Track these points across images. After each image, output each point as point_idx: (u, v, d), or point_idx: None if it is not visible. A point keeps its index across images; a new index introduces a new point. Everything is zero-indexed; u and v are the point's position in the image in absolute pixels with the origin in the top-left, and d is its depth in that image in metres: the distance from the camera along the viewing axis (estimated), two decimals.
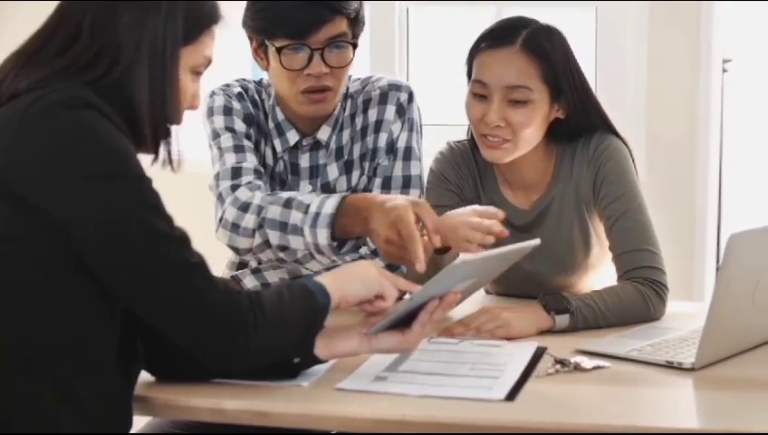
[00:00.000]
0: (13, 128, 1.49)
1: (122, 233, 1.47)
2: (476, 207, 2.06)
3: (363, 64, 3.48)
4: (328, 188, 2.27)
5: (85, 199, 1.46)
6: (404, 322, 1.67)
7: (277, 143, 2.28)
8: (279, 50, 2.13)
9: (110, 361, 1.53)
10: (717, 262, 3.32)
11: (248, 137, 2.26)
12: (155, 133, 1.58)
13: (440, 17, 3.66)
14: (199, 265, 1.53)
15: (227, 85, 2.31)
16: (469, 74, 2.16)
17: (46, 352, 1.48)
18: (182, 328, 1.53)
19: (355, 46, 2.18)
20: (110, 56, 1.54)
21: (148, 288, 1.50)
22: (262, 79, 2.35)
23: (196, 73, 1.65)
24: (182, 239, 1.53)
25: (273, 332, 1.56)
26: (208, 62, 1.66)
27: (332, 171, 2.28)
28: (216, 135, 2.24)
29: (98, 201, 1.46)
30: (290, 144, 2.27)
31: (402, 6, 3.60)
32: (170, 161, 1.67)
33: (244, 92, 2.30)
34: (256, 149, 2.27)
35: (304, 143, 2.27)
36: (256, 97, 2.31)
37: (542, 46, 2.10)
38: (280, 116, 2.28)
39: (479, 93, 2.12)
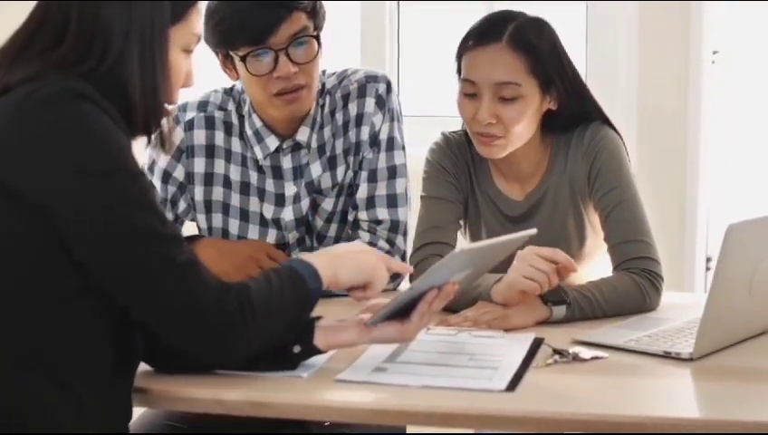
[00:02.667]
0: (8, 119, 1.47)
1: (113, 230, 1.46)
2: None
3: (354, 63, 3.46)
4: (312, 187, 2.27)
5: (78, 195, 1.45)
6: (402, 312, 1.67)
7: (257, 150, 2.26)
8: (243, 58, 2.11)
9: (109, 356, 1.52)
10: (706, 253, 3.33)
11: (166, 178, 2.28)
12: (147, 117, 1.57)
13: (431, 16, 3.66)
14: (191, 263, 1.52)
15: (184, 108, 2.28)
16: (459, 72, 2.16)
17: (45, 350, 1.47)
18: (172, 326, 1.52)
19: (318, 38, 2.16)
20: (101, 46, 1.52)
21: (138, 286, 1.49)
22: (234, 86, 2.32)
23: (187, 51, 1.63)
24: (174, 237, 1.52)
25: (262, 326, 1.56)
26: (197, 38, 1.64)
27: (315, 169, 2.27)
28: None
29: (90, 197, 1.45)
30: (270, 150, 2.26)
31: (393, 4, 3.59)
32: (162, 143, 1.65)
33: (199, 113, 2.28)
34: (191, 180, 2.28)
35: (285, 146, 2.26)
36: (215, 114, 2.29)
37: (528, 40, 2.09)
38: (257, 123, 2.26)
39: (469, 92, 2.12)
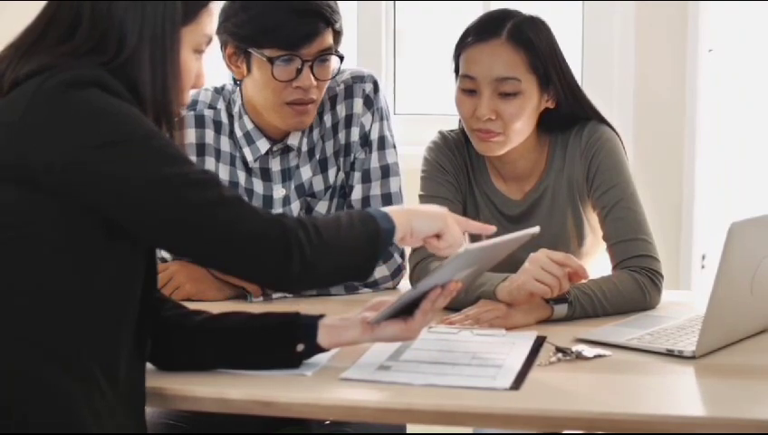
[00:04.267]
0: (23, 108, 1.48)
1: (148, 192, 1.47)
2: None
3: (350, 62, 3.46)
4: (302, 189, 2.27)
5: (101, 172, 1.46)
6: (405, 311, 1.67)
7: (247, 152, 2.26)
8: (271, 60, 2.11)
9: (127, 348, 1.52)
10: (702, 250, 3.33)
11: None
12: (158, 115, 1.57)
13: (428, 15, 3.65)
14: (232, 197, 1.53)
15: None
16: (456, 71, 2.16)
17: (65, 340, 1.47)
18: (232, 262, 1.55)
19: (342, 58, 2.18)
20: (114, 42, 1.53)
21: (190, 235, 1.51)
22: (224, 85, 2.32)
23: (198, 52, 1.64)
24: (209, 181, 1.53)
25: (328, 253, 1.56)
26: (209, 39, 1.65)
27: (306, 172, 2.27)
28: None
29: (114, 171, 1.46)
30: (261, 152, 2.26)
31: (389, 4, 3.58)
32: None
33: (189, 111, 2.27)
34: None
35: (275, 149, 2.26)
36: (205, 113, 2.28)
37: (527, 36, 2.10)
38: (248, 125, 2.25)
39: (468, 88, 2.12)
